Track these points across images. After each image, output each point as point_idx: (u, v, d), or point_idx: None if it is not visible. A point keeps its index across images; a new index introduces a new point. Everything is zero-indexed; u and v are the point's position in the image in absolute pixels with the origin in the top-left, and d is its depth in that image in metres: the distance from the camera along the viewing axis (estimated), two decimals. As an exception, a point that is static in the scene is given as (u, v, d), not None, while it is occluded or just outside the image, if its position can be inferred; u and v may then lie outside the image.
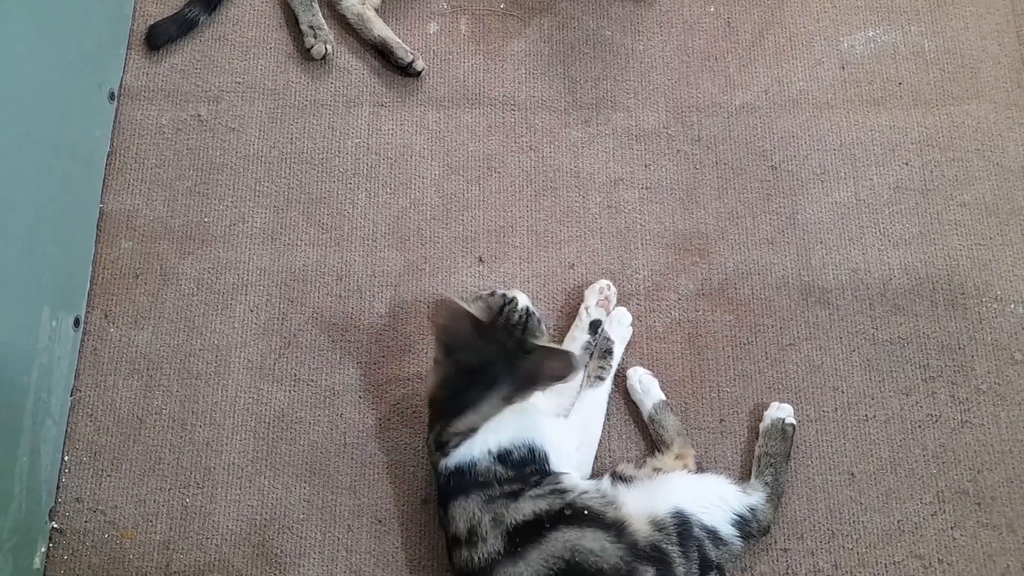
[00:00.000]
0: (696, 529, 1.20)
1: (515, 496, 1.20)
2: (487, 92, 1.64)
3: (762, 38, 1.68)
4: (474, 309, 1.25)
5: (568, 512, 1.18)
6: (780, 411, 1.38)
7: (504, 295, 1.27)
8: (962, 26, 1.68)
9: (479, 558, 1.17)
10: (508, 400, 1.22)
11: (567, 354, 1.22)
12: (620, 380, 1.43)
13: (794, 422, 1.38)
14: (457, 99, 1.63)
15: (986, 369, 1.45)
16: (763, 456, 1.35)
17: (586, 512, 1.19)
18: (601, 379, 1.39)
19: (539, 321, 1.27)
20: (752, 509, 1.27)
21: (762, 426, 1.39)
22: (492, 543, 1.17)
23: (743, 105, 1.63)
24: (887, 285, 1.51)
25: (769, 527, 1.30)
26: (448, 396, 1.25)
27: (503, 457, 1.22)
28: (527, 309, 1.26)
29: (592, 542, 1.16)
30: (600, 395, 1.39)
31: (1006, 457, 1.40)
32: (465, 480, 1.21)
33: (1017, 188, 1.56)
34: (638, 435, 1.42)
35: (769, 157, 1.59)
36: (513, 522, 1.17)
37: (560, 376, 1.20)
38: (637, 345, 1.46)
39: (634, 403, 1.42)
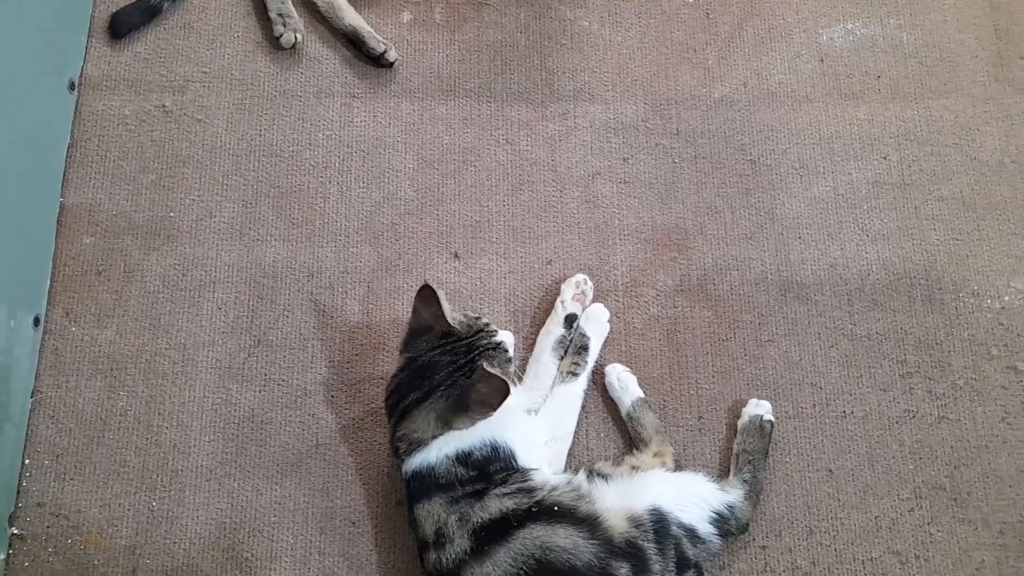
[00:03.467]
0: (674, 527, 1.20)
1: (479, 495, 1.18)
2: (462, 83, 1.60)
3: (741, 30, 1.66)
4: (453, 317, 1.23)
5: (535, 510, 1.16)
6: (758, 408, 1.38)
7: (489, 324, 1.25)
8: (940, 19, 1.67)
9: (447, 559, 1.16)
10: (443, 422, 1.19)
11: (501, 380, 1.13)
12: (598, 377, 1.41)
13: (772, 419, 1.37)
14: (431, 90, 1.60)
15: (963, 364, 1.45)
16: (741, 453, 1.35)
17: (556, 508, 1.17)
18: (575, 375, 1.37)
19: (509, 361, 1.24)
20: (730, 507, 1.27)
21: (740, 423, 1.38)
22: (459, 543, 1.16)
23: (722, 98, 1.61)
24: (865, 280, 1.50)
25: (748, 525, 1.29)
26: (394, 393, 1.23)
27: (463, 459, 1.19)
28: (501, 345, 1.23)
29: (564, 539, 1.14)
30: (573, 390, 1.37)
31: (982, 452, 1.40)
32: (425, 483, 1.19)
33: (994, 183, 1.56)
34: (616, 433, 1.40)
35: (748, 151, 1.58)
36: (479, 521, 1.16)
37: (489, 403, 1.15)
38: (615, 342, 1.44)
39: (612, 401, 1.40)
